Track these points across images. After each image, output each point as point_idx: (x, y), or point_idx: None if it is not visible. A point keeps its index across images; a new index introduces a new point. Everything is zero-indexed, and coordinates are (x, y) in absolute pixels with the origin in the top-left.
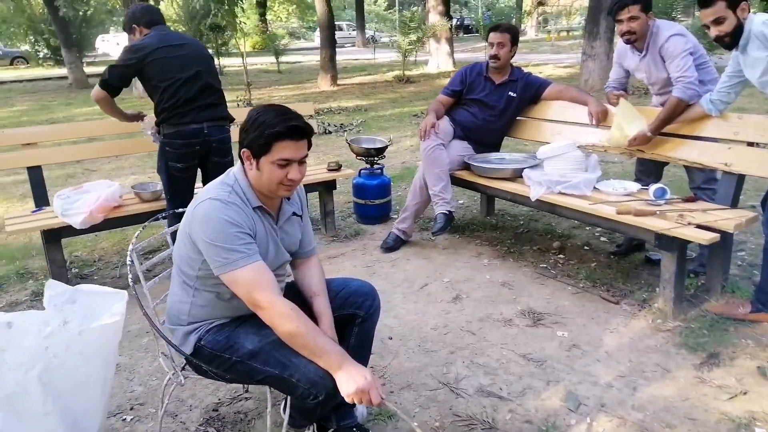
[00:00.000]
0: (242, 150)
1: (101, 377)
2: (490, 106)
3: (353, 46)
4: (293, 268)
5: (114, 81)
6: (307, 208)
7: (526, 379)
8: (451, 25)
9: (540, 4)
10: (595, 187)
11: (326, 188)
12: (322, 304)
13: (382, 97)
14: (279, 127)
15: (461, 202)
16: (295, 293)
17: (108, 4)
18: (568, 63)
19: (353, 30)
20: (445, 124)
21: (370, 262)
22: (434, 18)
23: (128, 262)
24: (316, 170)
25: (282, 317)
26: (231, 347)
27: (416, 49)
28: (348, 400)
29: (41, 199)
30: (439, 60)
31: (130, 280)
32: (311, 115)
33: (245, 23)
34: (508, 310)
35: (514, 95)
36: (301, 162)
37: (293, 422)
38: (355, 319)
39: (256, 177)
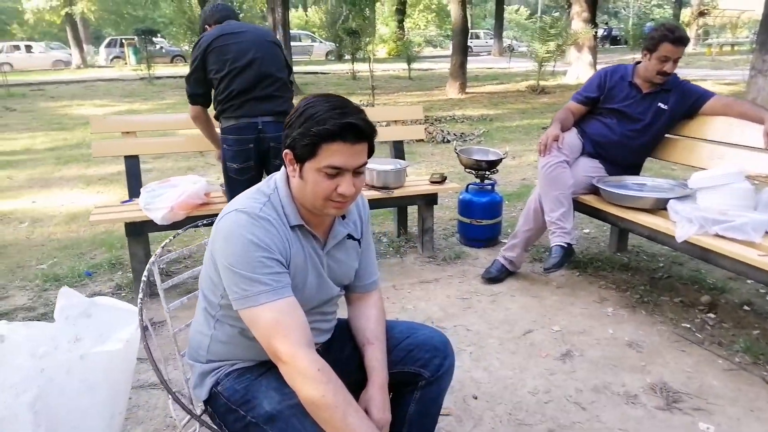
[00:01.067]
0: (284, 151)
1: (107, 411)
2: (633, 119)
3: (489, 54)
4: (348, 304)
5: (193, 89)
6: (369, 229)
7: None
8: (596, 32)
9: (701, 14)
10: (766, 232)
11: (426, 202)
12: (375, 356)
13: (510, 107)
14: (330, 124)
15: (586, 231)
16: (347, 335)
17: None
18: (731, 80)
19: (490, 38)
20: (572, 138)
21: (467, 294)
22: (578, 25)
23: (144, 278)
24: (417, 181)
25: (304, 379)
26: (248, 402)
27: (555, 58)
28: None
29: (135, 191)
30: (579, 70)
31: (139, 300)
32: (420, 120)
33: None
34: (633, 382)
35: (665, 107)
36: (357, 172)
37: None
38: (418, 380)
39: (299, 187)
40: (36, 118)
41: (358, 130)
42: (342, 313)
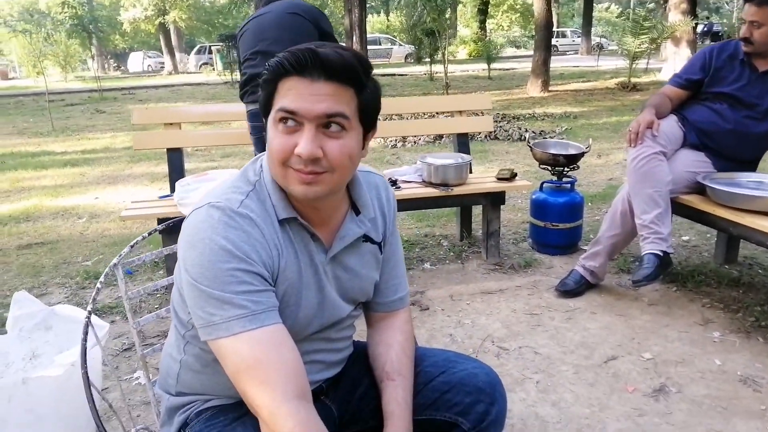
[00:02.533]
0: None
1: None
2: (748, 104)
3: (576, 53)
4: (368, 327)
5: (242, 84)
6: (396, 230)
7: None
8: (696, 25)
9: None
10: None
11: (492, 202)
12: (395, 397)
13: (597, 105)
14: (284, 54)
15: (685, 239)
16: (363, 366)
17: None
18: None
19: (577, 37)
20: (671, 126)
21: (537, 309)
22: (676, 17)
23: (98, 285)
24: (482, 178)
25: None
26: None
27: (648, 53)
28: None
29: None
30: (677, 65)
31: (87, 311)
32: (489, 110)
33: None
34: (750, 429)
35: None
36: (329, 123)
37: None
38: (453, 431)
39: (266, 158)
40: (122, 119)
41: (320, 61)
42: (361, 335)
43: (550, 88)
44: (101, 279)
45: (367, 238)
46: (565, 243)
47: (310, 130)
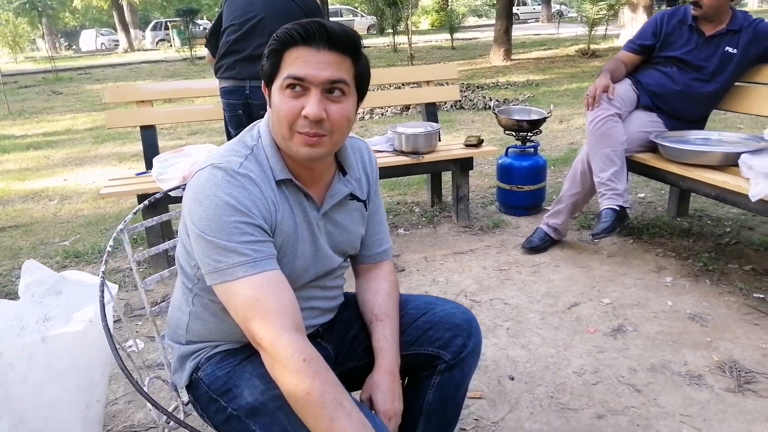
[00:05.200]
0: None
1: (81, 400)
2: (695, 67)
3: (537, 21)
4: (356, 278)
5: (212, 38)
6: (378, 189)
7: None
8: None
9: None
10: None
11: (461, 168)
12: (384, 335)
13: (558, 72)
14: (291, 27)
15: (641, 195)
16: (354, 313)
17: None
18: None
19: (538, 5)
20: (625, 89)
21: (506, 265)
22: None
23: (108, 248)
24: (451, 145)
25: (286, 372)
26: (229, 392)
27: (607, 19)
28: None
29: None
30: (634, 31)
31: (101, 272)
32: (456, 80)
33: None
34: (697, 360)
35: (734, 51)
36: (332, 94)
37: None
38: (436, 363)
39: (271, 122)
40: (81, 100)
41: (326, 32)
42: (350, 287)
43: (512, 57)
44: (110, 243)
45: (353, 197)
46: (530, 204)
47: (316, 94)
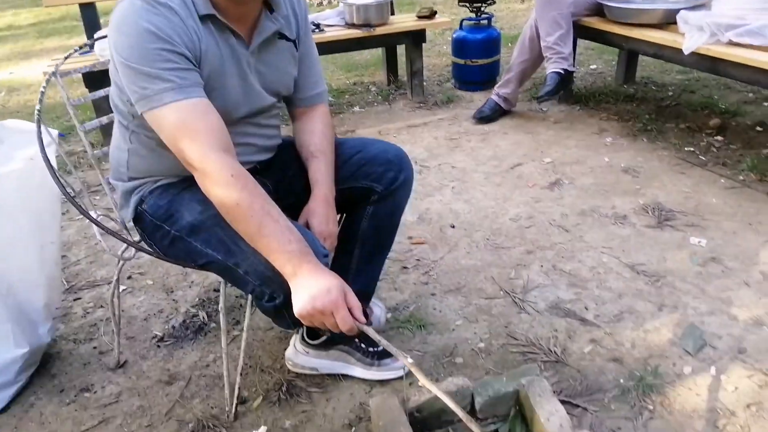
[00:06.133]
0: None
1: (34, 240)
2: None
3: None
4: (292, 121)
5: None
6: (308, 31)
7: (627, 299)
8: None
9: None
10: None
11: (414, 40)
12: (319, 169)
13: None
14: None
15: (593, 67)
16: (292, 154)
17: None
18: None
19: None
20: None
21: (456, 135)
22: None
23: (41, 89)
24: (403, 18)
25: (216, 185)
26: (171, 217)
27: None
28: (304, 321)
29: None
30: None
31: (36, 111)
32: None
33: None
34: (624, 204)
35: None
36: None
37: (279, 323)
38: (370, 195)
39: None
40: None
41: None
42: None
43: None
44: (43, 84)
45: (282, 35)
46: (484, 78)
47: None
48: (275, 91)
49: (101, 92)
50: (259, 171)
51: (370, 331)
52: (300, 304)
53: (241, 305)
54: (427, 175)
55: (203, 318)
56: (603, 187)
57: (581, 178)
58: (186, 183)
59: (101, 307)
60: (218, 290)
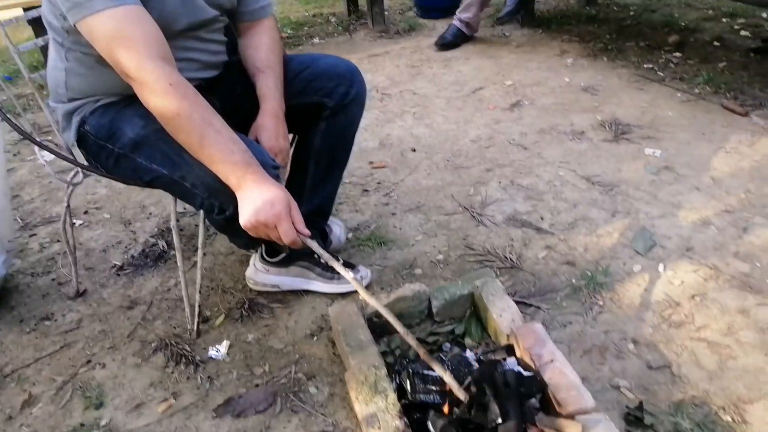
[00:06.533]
0: None
1: None
2: None
3: None
4: (238, 37)
5: None
6: None
7: (582, 208)
8: None
9: None
10: None
11: None
12: (266, 84)
13: None
14: None
15: None
16: (240, 71)
17: None
18: None
19: None
20: None
21: (418, 62)
22: None
23: None
24: None
25: (153, 94)
26: (113, 135)
27: None
28: (250, 233)
29: None
30: None
31: None
32: None
33: None
34: (582, 121)
35: None
36: None
37: (234, 241)
38: (321, 111)
39: None
40: None
41: None
42: None
43: None
44: None
45: None
46: (447, 5)
47: None
48: (217, 3)
49: (34, 12)
50: (205, 89)
51: (314, 245)
52: (244, 216)
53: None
54: (389, 103)
55: (163, 246)
56: (562, 106)
57: (541, 99)
58: (128, 100)
59: (57, 241)
60: (178, 220)
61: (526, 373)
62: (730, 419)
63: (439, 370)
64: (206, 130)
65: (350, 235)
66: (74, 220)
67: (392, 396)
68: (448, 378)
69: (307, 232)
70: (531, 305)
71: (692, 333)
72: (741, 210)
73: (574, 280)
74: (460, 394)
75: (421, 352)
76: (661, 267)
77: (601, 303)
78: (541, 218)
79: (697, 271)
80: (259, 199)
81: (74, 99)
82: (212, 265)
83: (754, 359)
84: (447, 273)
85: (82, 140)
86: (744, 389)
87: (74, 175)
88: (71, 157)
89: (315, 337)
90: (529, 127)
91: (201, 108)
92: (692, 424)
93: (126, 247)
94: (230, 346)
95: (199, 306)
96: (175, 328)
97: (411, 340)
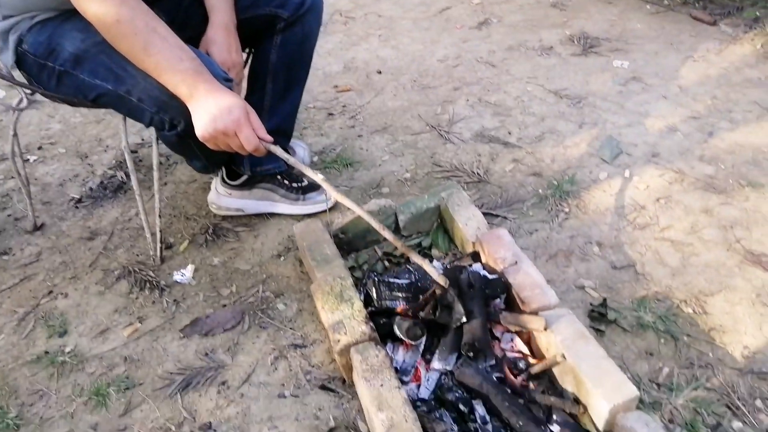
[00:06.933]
0: None
1: None
2: None
3: None
4: None
5: None
6: None
7: (549, 121)
8: None
9: None
10: None
11: None
12: None
13: None
14: None
15: None
16: None
17: None
18: None
19: None
20: None
21: None
22: None
23: None
24: None
25: (92, 1)
26: (53, 52)
27: None
28: (209, 144)
29: None
30: None
31: None
32: None
33: None
34: (550, 36)
35: None
36: None
37: (192, 163)
38: (275, 23)
39: None
40: None
41: None
42: None
43: None
44: None
45: None
46: None
47: None
48: None
49: None
50: (149, 2)
51: (278, 150)
52: (201, 126)
53: (161, 163)
54: (353, 26)
55: (121, 177)
56: (531, 22)
57: (509, 16)
58: (66, 15)
59: (11, 178)
60: (135, 151)
61: (490, 276)
62: (691, 311)
63: (417, 259)
64: (150, 36)
65: (316, 158)
66: (28, 156)
67: (358, 303)
68: (427, 266)
69: (269, 137)
70: (498, 215)
71: (656, 233)
72: (707, 116)
73: (540, 190)
74: (440, 280)
75: (399, 244)
76: (627, 173)
77: (567, 210)
78: (509, 133)
79: (663, 176)
80: (215, 107)
81: (8, 16)
82: (174, 193)
83: (715, 255)
84: (414, 190)
85: (21, 61)
86: (705, 283)
87: (19, 102)
88: (12, 78)
89: (282, 257)
90: (497, 45)
91: (143, 13)
92: (655, 317)
93: (83, 180)
94: (195, 270)
95: (162, 232)
96: (138, 255)
97: (387, 234)
